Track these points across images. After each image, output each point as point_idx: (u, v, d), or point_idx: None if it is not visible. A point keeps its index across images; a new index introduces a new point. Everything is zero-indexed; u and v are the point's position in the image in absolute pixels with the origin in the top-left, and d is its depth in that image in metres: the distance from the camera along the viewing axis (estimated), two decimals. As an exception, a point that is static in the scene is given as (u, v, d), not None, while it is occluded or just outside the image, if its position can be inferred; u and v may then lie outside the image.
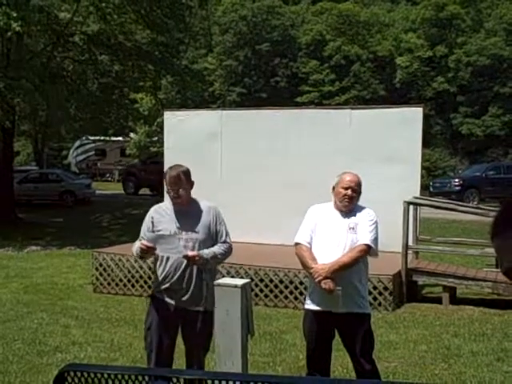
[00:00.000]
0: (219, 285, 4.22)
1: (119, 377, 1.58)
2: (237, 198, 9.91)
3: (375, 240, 4.28)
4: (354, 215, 4.31)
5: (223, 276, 8.10)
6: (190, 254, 4.19)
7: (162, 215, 4.39)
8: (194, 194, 4.46)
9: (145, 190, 26.65)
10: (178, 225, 4.30)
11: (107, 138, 27.18)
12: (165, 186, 4.47)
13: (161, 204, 4.64)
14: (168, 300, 4.33)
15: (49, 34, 17.58)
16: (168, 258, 4.31)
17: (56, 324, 7.47)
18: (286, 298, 8.30)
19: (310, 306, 4.37)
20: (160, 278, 4.34)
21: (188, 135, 10.62)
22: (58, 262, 12.46)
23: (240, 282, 4.28)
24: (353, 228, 4.26)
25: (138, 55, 18.80)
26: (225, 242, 4.39)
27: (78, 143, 36.53)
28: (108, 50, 18.81)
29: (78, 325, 7.44)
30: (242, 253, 9.10)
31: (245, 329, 4.18)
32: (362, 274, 4.35)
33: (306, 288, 5.49)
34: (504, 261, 1.21)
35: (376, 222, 4.33)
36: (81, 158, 37.04)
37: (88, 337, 6.90)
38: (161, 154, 16.33)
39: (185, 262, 4.23)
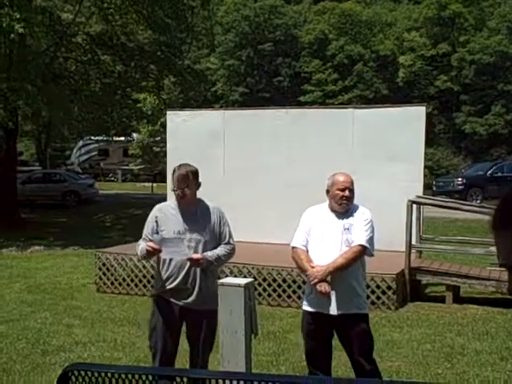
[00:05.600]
0: (222, 284, 4.21)
1: (123, 376, 1.58)
2: (239, 197, 9.90)
3: (370, 240, 4.27)
4: (349, 215, 4.30)
5: (226, 275, 8.10)
6: (195, 256, 4.19)
7: (166, 214, 4.38)
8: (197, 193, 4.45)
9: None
10: (182, 225, 4.29)
11: (110, 138, 27.17)
12: (169, 184, 4.46)
13: (165, 203, 4.63)
14: (173, 300, 4.32)
15: (51, 34, 17.60)
16: (171, 259, 4.29)
17: (59, 324, 7.48)
18: (289, 297, 8.29)
19: (306, 307, 4.38)
20: (164, 279, 4.33)
21: (191, 135, 10.61)
22: (62, 261, 12.47)
23: (243, 281, 4.28)
24: (348, 229, 4.25)
25: (141, 55, 18.81)
26: (228, 243, 4.39)
27: (80, 143, 36.56)
28: (110, 50, 18.83)
29: (81, 324, 7.45)
30: (245, 252, 9.10)
31: (248, 328, 4.18)
32: (359, 274, 4.34)
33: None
34: (500, 255, 1.24)
35: (371, 222, 4.32)
36: (84, 158, 37.10)
37: (91, 336, 6.91)
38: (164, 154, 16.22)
39: (189, 262, 4.23)
